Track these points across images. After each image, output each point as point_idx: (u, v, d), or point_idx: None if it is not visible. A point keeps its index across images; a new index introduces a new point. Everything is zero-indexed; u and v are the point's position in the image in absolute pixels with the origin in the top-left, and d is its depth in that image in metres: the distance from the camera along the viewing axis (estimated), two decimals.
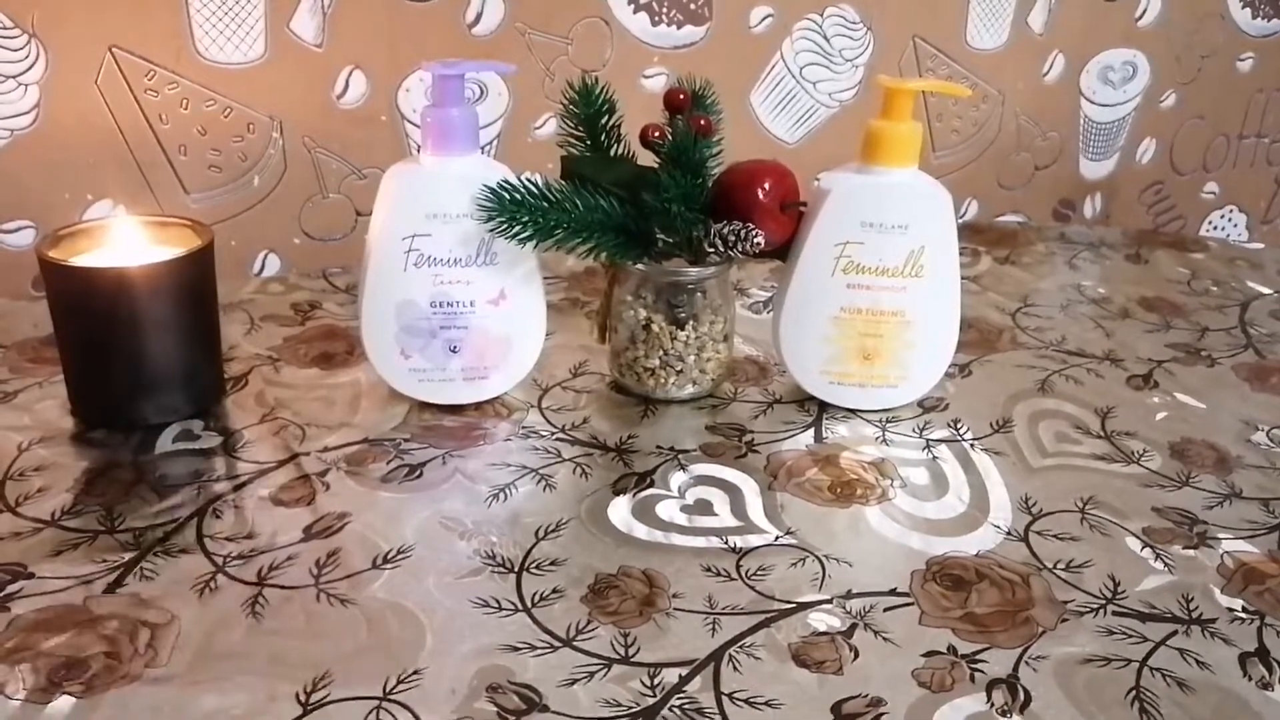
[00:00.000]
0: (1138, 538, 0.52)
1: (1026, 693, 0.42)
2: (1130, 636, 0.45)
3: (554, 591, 0.47)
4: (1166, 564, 0.50)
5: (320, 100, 0.83)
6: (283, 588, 0.46)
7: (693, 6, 0.92)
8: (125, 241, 0.59)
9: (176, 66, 0.78)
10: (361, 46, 0.83)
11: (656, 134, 0.58)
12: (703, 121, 0.58)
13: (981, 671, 0.43)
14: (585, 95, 0.61)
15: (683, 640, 0.44)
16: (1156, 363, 0.71)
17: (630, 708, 0.40)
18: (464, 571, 0.48)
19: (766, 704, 0.41)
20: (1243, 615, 0.47)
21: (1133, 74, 1.13)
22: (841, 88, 1.00)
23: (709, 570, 0.48)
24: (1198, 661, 0.44)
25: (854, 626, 0.45)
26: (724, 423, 0.61)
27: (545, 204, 0.57)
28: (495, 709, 0.40)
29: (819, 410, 0.63)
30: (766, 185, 0.58)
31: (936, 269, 0.59)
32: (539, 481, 0.55)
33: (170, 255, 0.56)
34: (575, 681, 0.42)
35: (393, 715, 0.40)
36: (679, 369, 0.62)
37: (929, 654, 0.44)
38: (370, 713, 0.40)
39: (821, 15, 0.96)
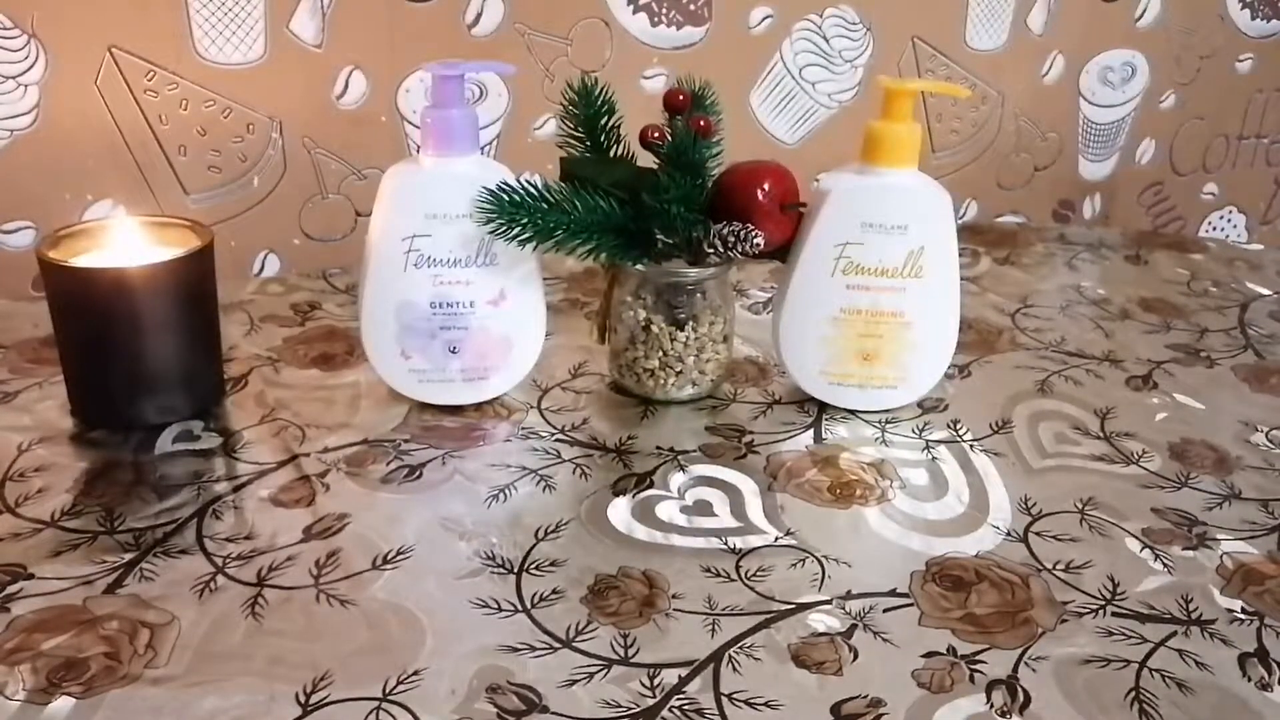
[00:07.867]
0: (1137, 539, 0.52)
1: (1026, 693, 0.42)
2: (1130, 637, 0.45)
3: (554, 592, 0.47)
4: (1166, 565, 0.50)
5: (320, 100, 0.83)
6: (282, 588, 0.46)
7: (692, 7, 0.92)
8: (125, 242, 0.59)
9: (176, 67, 0.78)
10: (361, 47, 0.83)
11: (656, 135, 0.58)
12: (702, 122, 0.58)
13: (981, 672, 0.43)
14: (585, 96, 0.61)
15: (682, 641, 0.44)
16: (1156, 364, 0.71)
17: (630, 708, 0.40)
18: (464, 572, 0.48)
19: (766, 705, 0.41)
20: (1242, 616, 0.47)
21: (1132, 74, 1.13)
22: (841, 88, 1.00)
23: (709, 571, 0.48)
24: (1197, 662, 0.44)
25: (854, 627, 0.45)
26: (724, 424, 0.61)
27: (545, 205, 0.57)
28: (495, 709, 0.40)
29: (818, 411, 0.63)
30: (766, 186, 0.58)
31: (936, 270, 0.59)
32: (539, 482, 0.55)
33: (170, 256, 0.56)
34: (575, 682, 0.42)
35: (392, 716, 0.40)
36: (679, 370, 0.62)
37: (929, 655, 0.44)
38: (370, 713, 0.40)
39: (821, 16, 0.96)
